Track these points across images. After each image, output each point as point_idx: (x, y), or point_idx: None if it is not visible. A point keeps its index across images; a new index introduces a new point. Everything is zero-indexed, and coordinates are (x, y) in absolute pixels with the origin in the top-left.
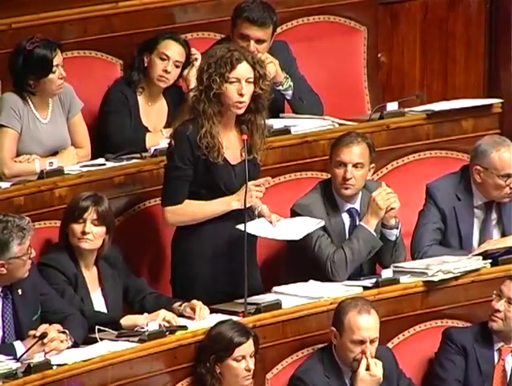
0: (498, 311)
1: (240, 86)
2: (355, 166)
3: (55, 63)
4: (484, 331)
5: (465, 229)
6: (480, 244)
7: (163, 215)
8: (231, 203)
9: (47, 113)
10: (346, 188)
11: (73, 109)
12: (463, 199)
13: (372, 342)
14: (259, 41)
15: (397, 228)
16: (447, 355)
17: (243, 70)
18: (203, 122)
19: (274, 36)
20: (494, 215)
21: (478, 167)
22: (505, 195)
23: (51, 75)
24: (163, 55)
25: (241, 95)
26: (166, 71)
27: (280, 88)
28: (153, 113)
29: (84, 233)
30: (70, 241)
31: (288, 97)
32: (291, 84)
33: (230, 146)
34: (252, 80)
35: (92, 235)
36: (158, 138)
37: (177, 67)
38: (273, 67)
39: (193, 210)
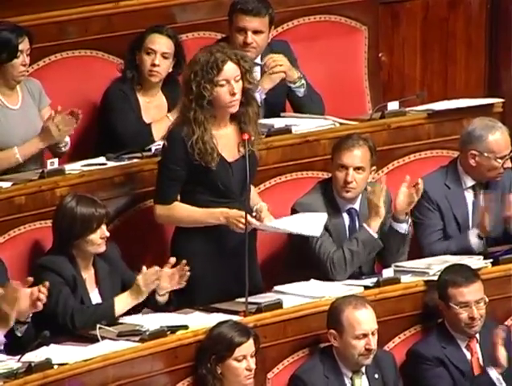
0: (474, 319)
1: (230, 86)
2: (356, 169)
3: (20, 49)
4: (444, 334)
5: (461, 214)
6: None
7: (154, 211)
8: (220, 218)
9: (18, 100)
10: (347, 191)
11: (43, 102)
12: (452, 186)
13: (373, 334)
14: (256, 32)
15: (407, 223)
16: (428, 372)
17: (230, 70)
18: (194, 129)
19: (271, 30)
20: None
21: (474, 152)
22: (498, 175)
23: (14, 60)
24: (148, 50)
25: (233, 94)
26: (154, 64)
27: (292, 85)
28: (153, 110)
29: (103, 238)
30: (81, 249)
31: (300, 94)
32: (304, 82)
33: (227, 144)
34: (239, 77)
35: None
36: (166, 125)
37: (166, 58)
38: (280, 73)
39: (182, 215)
